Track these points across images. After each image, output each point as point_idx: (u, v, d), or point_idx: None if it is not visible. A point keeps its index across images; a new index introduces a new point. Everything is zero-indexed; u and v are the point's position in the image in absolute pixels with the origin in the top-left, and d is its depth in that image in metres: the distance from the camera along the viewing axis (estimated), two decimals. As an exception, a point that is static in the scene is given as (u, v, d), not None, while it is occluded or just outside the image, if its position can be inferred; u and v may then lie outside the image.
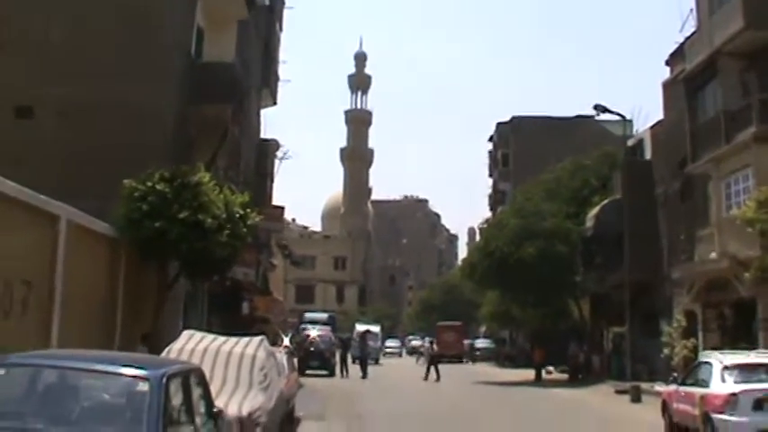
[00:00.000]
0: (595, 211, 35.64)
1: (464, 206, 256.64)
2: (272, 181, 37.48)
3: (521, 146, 68.72)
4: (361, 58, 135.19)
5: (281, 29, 37.35)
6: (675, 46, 31.45)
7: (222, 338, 12.46)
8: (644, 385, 27.16)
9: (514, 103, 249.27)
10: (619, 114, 32.67)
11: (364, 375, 36.33)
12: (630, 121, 58.36)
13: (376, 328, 59.61)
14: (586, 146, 45.73)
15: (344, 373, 37.52)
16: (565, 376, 39.06)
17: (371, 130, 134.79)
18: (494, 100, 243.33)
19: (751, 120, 23.49)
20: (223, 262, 20.47)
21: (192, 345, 11.99)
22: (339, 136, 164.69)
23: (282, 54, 38.61)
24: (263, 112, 37.04)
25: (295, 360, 22.34)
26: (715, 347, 21.79)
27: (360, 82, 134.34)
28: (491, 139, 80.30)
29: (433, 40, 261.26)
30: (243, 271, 29.02)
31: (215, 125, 24.23)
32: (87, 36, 22.13)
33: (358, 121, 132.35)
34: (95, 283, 16.62)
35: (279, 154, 37.96)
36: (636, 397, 26.03)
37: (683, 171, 28.89)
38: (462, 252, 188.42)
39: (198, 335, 12.53)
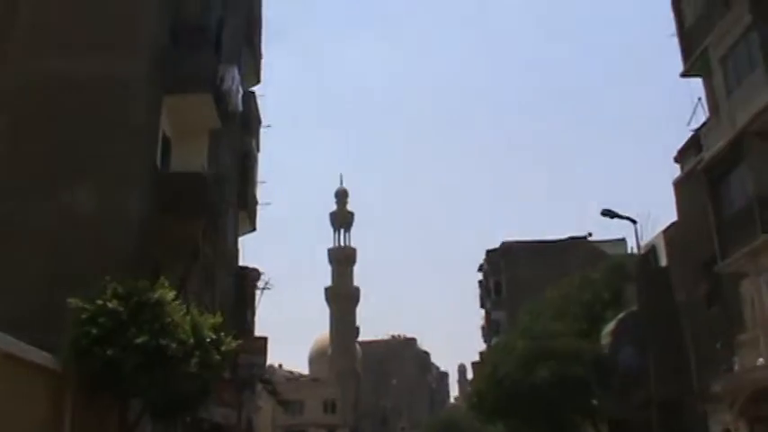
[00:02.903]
0: (611, 326, 32.54)
1: (453, 342, 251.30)
2: (252, 313, 34.18)
3: (513, 272, 67.27)
4: (342, 195, 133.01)
5: (257, 148, 34.91)
6: (683, 143, 29.30)
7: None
8: None
9: (501, 231, 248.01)
10: (629, 219, 29.94)
11: None
12: (624, 240, 57.30)
13: None
14: (581, 268, 43.00)
15: None
16: None
17: (356, 267, 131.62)
18: (479, 230, 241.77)
19: (791, 203, 20.74)
20: (193, 398, 17.19)
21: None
22: (323, 268, 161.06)
23: (262, 176, 36.06)
24: (241, 239, 34.14)
25: None
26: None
27: (342, 219, 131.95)
28: (481, 268, 78.15)
29: (411, 169, 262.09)
30: (222, 412, 25.46)
31: (184, 243, 21.20)
32: (35, 143, 19.79)
33: (342, 260, 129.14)
34: (33, 428, 13.38)
35: (260, 284, 34.79)
36: None
37: (709, 272, 25.98)
38: (453, 389, 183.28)
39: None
